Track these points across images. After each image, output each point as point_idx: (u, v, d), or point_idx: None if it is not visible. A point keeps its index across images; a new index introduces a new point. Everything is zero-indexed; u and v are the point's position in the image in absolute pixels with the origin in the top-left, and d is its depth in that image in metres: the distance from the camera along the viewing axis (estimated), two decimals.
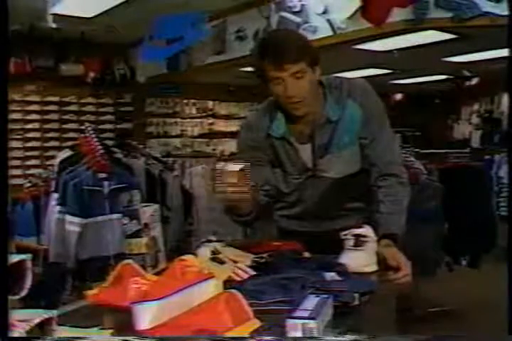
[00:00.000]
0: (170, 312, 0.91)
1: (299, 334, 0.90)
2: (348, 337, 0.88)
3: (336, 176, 1.73)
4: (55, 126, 6.28)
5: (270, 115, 1.74)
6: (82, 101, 6.46)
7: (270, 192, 1.79)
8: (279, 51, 1.56)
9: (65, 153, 2.90)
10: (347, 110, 1.68)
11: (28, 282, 0.93)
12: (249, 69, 6.03)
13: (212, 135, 8.24)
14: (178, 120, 7.94)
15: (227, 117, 8.41)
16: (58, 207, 2.62)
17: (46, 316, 0.84)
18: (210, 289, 1.01)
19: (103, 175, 2.62)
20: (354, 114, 1.68)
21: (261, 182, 1.75)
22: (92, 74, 6.28)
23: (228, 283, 1.20)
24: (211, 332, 0.87)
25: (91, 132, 2.72)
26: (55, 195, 2.68)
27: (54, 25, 4.01)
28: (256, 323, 0.96)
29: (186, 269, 1.05)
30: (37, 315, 0.83)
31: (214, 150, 8.12)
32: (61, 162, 2.79)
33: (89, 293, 1.05)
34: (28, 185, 3.21)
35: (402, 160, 1.82)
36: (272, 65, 1.57)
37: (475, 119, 8.97)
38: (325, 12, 4.08)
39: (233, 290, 0.98)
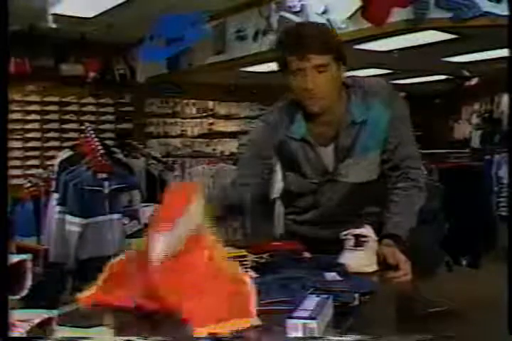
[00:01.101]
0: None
1: (299, 334, 0.90)
2: (352, 337, 0.87)
3: (356, 181, 1.66)
4: (55, 126, 6.28)
5: (291, 115, 1.66)
6: (82, 101, 6.47)
7: (255, 187, 1.73)
8: (305, 40, 1.50)
9: (65, 153, 2.90)
10: (373, 111, 1.61)
11: (28, 282, 0.93)
12: (249, 69, 6.04)
13: (212, 135, 8.24)
14: (178, 120, 7.94)
15: (227, 117, 8.41)
16: (58, 207, 2.63)
17: (46, 316, 0.84)
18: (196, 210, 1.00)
19: (103, 175, 2.62)
20: (381, 116, 1.61)
21: (252, 178, 1.71)
22: (92, 74, 6.28)
23: None
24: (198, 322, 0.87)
25: (91, 132, 2.73)
26: (55, 195, 2.68)
27: (54, 26, 4.01)
28: (253, 322, 0.95)
29: None
30: (37, 315, 0.83)
31: (214, 150, 8.13)
32: (61, 162, 2.79)
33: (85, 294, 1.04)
34: (28, 185, 3.21)
35: (421, 164, 1.76)
36: (296, 55, 1.51)
37: (475, 119, 8.96)
38: (325, 12, 4.08)
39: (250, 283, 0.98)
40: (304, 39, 1.50)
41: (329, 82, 1.54)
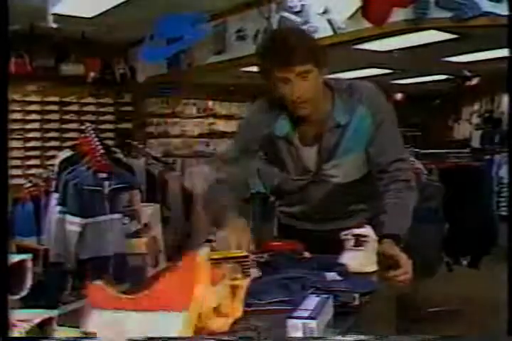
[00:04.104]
0: None
1: (299, 334, 0.90)
2: (354, 337, 0.87)
3: (341, 181, 1.71)
4: (56, 126, 6.27)
5: (273, 113, 1.71)
6: (82, 101, 6.46)
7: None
8: (287, 51, 1.53)
9: (65, 153, 2.89)
10: (356, 115, 1.65)
11: (28, 282, 0.93)
12: (249, 69, 6.03)
13: (212, 135, 8.24)
14: (178, 120, 7.94)
15: (227, 117, 8.41)
16: (58, 207, 2.62)
17: (46, 316, 0.84)
18: None
19: (103, 175, 2.62)
20: (363, 120, 1.65)
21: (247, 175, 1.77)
22: (92, 74, 6.27)
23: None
24: None
25: (91, 132, 2.72)
26: (56, 195, 2.68)
27: (54, 25, 4.00)
28: None
29: None
30: (37, 315, 0.83)
31: (214, 150, 8.12)
32: (61, 162, 2.79)
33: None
34: (28, 185, 3.21)
35: (411, 165, 1.79)
36: (279, 65, 1.55)
37: (475, 119, 8.97)
38: (325, 12, 4.07)
39: None
40: (285, 50, 1.53)
41: (313, 87, 1.59)
